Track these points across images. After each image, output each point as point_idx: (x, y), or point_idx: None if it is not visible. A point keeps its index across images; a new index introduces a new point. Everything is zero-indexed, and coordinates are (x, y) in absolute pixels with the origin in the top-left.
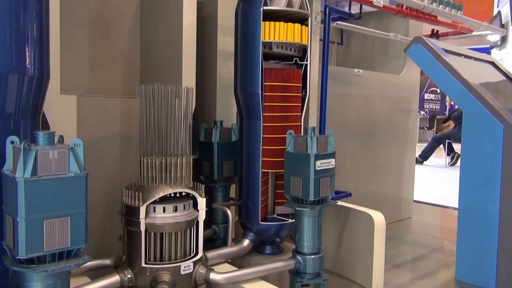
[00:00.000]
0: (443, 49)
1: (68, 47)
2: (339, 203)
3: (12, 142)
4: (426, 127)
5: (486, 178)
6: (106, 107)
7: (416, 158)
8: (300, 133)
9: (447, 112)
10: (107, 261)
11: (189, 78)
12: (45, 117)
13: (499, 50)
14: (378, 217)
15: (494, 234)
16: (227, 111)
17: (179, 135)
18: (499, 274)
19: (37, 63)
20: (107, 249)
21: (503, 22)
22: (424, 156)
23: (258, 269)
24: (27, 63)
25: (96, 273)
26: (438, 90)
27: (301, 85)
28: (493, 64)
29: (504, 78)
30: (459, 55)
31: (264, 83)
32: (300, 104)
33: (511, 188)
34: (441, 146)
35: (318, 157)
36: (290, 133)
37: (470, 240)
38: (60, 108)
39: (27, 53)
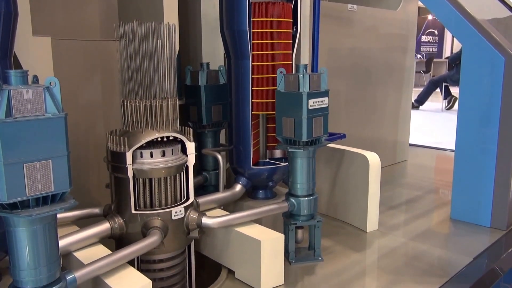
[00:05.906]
0: None
1: None
2: (333, 145)
3: None
4: (423, 71)
5: (485, 115)
6: (85, 51)
7: (412, 103)
8: (292, 72)
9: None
10: (96, 210)
11: (171, 15)
12: (18, 61)
13: None
14: (373, 158)
15: (491, 172)
16: (213, 52)
17: (163, 78)
18: (495, 212)
19: None
20: (94, 198)
21: None
22: (420, 100)
23: (251, 213)
24: None
25: (85, 223)
26: (436, 32)
27: (291, 20)
28: None
29: (506, 9)
30: None
31: (251, 19)
32: (291, 42)
33: (510, 125)
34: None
35: (310, 95)
36: (281, 72)
37: (466, 179)
38: (34, 51)
39: None
